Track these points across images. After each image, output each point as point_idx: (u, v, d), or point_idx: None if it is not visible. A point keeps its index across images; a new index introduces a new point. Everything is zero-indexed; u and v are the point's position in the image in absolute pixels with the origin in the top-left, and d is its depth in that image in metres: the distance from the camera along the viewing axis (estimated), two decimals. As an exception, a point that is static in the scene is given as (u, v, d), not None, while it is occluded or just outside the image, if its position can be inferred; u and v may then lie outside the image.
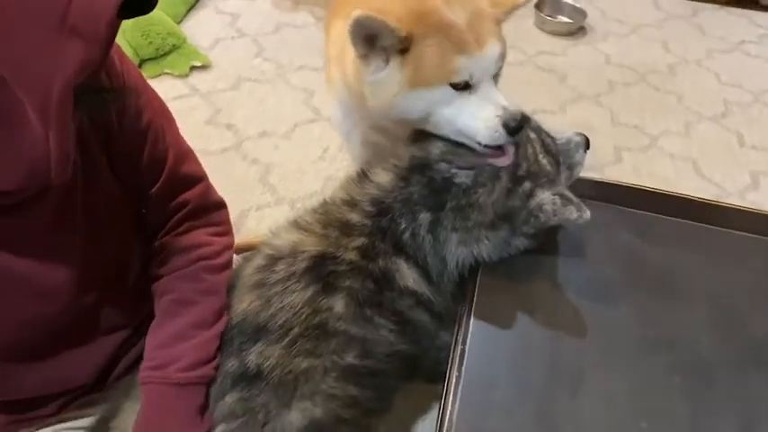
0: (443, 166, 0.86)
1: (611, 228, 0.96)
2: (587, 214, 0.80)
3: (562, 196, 0.82)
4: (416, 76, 0.89)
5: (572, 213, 0.80)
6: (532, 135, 0.89)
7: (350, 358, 0.81)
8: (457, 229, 0.84)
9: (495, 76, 0.95)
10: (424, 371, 0.96)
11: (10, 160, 0.61)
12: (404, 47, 0.89)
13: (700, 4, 3.16)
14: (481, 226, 0.84)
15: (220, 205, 0.98)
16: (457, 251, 0.85)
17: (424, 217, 0.85)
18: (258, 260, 0.89)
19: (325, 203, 0.93)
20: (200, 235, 0.92)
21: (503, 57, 0.94)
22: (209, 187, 0.96)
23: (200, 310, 0.85)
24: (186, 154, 0.93)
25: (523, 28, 2.85)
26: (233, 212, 1.78)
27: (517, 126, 0.87)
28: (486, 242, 0.85)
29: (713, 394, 0.75)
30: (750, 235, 0.96)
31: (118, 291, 0.88)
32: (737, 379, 0.77)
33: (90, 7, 0.59)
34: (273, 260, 0.86)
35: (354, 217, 0.87)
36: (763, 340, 0.81)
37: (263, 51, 2.53)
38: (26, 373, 0.81)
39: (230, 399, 0.79)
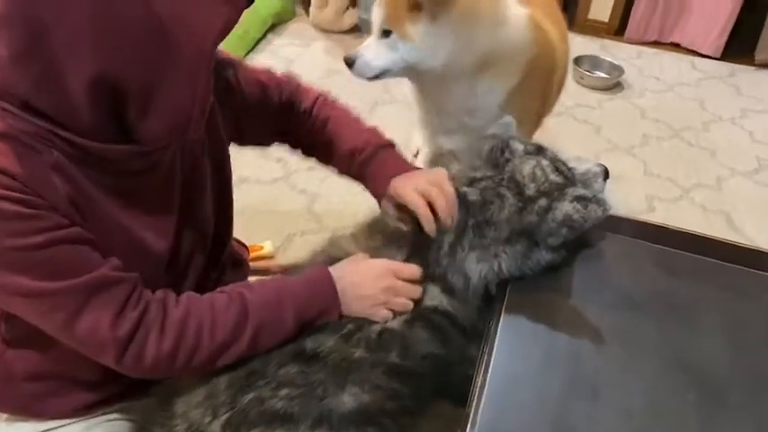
0: (455, 186, 0.95)
1: (638, 260, 1.01)
2: (609, 205, 0.88)
3: (579, 199, 0.89)
4: None
5: (597, 212, 0.88)
6: (545, 162, 0.96)
7: (393, 357, 0.89)
8: (474, 247, 0.92)
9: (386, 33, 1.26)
10: (454, 385, 1.02)
11: (159, 110, 0.70)
12: None
13: (737, 65, 3.23)
14: (498, 242, 0.91)
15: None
16: (477, 267, 0.92)
17: (448, 236, 0.93)
18: (318, 258, 0.99)
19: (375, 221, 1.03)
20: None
21: (385, 21, 1.25)
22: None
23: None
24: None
25: (562, 82, 2.96)
26: (280, 237, 1.90)
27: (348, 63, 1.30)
28: (505, 256, 0.91)
29: (725, 413, 0.78)
30: (770, 275, 1.01)
31: (199, 261, 0.98)
32: (749, 402, 0.79)
33: None
34: (332, 260, 0.96)
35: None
36: (778, 370, 0.85)
37: (313, 93, 2.69)
38: None
39: (291, 369, 0.86)
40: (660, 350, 0.86)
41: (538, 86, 1.38)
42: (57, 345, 0.80)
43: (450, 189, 0.94)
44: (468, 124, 1.40)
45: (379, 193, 1.04)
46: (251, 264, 1.62)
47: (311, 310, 0.87)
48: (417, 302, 0.92)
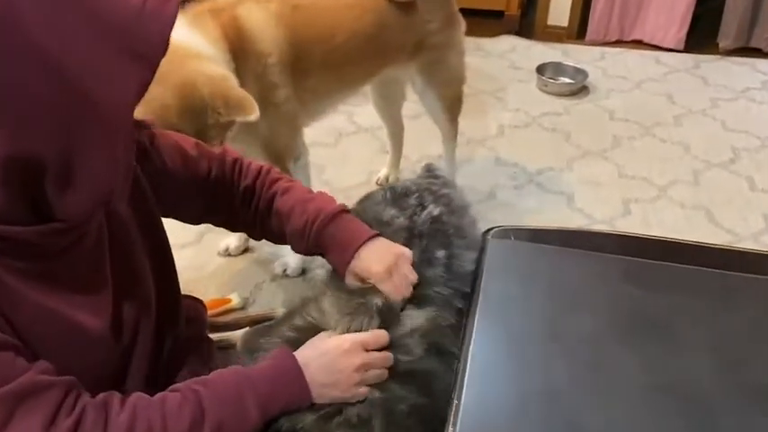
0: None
1: (607, 276, 0.97)
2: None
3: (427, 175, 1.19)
4: None
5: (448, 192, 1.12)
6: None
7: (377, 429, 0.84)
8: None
9: None
10: None
11: (80, 181, 0.65)
12: None
13: (701, 56, 3.23)
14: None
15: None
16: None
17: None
18: (297, 320, 0.94)
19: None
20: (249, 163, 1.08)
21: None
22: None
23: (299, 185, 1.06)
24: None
25: (526, 91, 2.94)
26: (250, 283, 1.83)
27: None
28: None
29: (718, 436, 0.74)
30: (750, 276, 0.96)
31: (147, 329, 0.91)
32: (742, 423, 0.75)
33: (147, 29, 0.64)
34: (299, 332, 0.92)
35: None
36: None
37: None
38: None
39: None
40: (644, 375, 0.82)
41: (244, 71, 1.57)
42: None
43: (412, 275, 0.96)
44: None
45: (341, 265, 0.99)
46: (218, 319, 1.56)
47: (277, 403, 0.82)
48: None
